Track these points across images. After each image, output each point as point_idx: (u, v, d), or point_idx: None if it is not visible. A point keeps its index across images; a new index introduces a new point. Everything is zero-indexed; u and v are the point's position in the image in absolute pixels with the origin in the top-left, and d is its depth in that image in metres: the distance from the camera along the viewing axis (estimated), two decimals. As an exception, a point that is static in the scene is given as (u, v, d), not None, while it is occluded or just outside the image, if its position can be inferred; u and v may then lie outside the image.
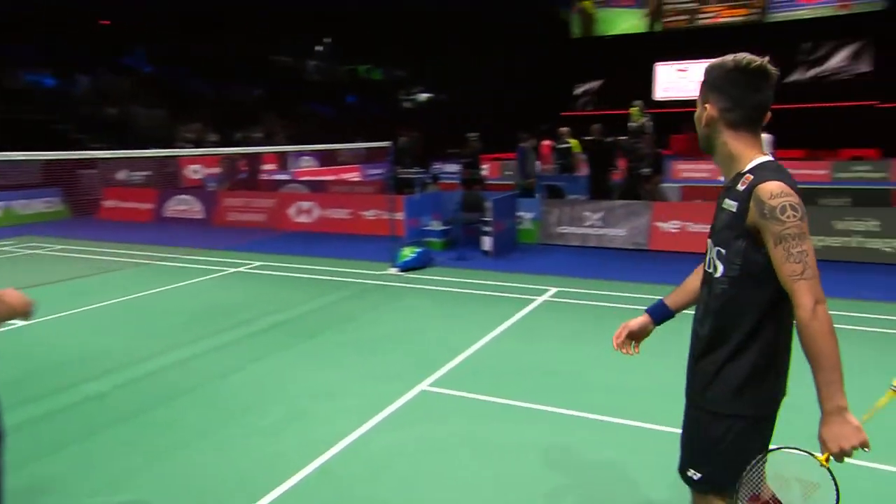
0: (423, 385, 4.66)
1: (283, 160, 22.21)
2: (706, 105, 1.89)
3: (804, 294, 1.67)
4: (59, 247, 10.96)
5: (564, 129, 15.57)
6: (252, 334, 5.94)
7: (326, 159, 23.28)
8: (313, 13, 32.35)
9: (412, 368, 4.97)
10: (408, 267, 8.47)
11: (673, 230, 9.45)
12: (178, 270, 8.70)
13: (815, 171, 20.36)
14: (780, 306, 1.79)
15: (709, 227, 1.99)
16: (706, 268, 1.95)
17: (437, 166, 18.93)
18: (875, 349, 5.35)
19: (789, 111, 29.38)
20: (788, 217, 1.69)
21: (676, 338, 5.35)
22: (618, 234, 9.79)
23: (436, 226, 10.19)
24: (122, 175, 17.62)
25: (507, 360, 5.17)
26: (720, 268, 1.86)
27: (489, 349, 5.44)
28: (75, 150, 12.92)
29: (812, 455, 1.67)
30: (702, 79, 1.91)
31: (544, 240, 10.33)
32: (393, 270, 8.42)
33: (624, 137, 11.76)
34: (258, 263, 9.11)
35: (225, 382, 4.79)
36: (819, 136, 28.61)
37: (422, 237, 9.95)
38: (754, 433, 1.85)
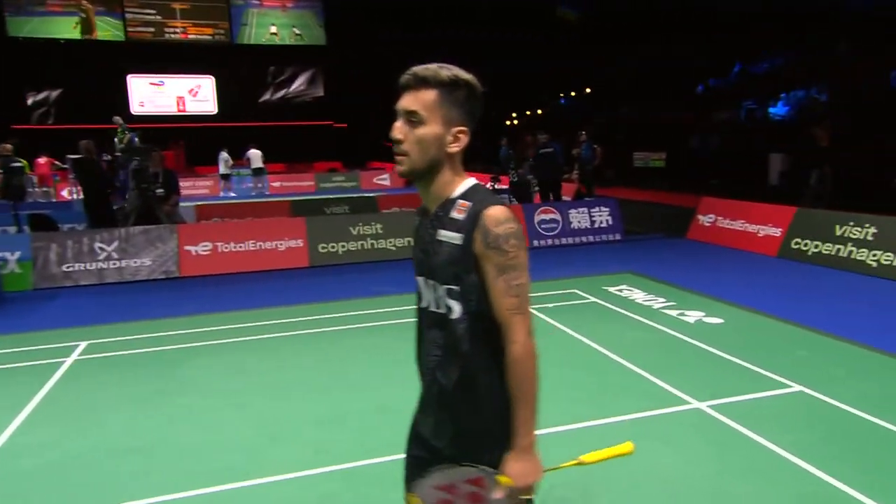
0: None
1: None
2: (460, 127, 1.60)
3: (520, 329, 1.57)
4: None
5: (8, 146, 12.70)
6: None
7: None
8: None
9: None
10: None
11: (204, 252, 8.83)
12: None
13: (303, 183, 22.47)
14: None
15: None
16: (432, 309, 1.68)
17: None
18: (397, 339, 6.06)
19: (266, 128, 31.87)
20: (512, 247, 1.55)
21: (225, 386, 4.93)
22: (143, 263, 8.56)
23: None
24: None
25: (52, 458, 3.79)
26: (456, 307, 1.62)
27: (17, 448, 3.90)
28: None
29: (495, 475, 1.59)
30: (432, 91, 1.56)
31: (43, 284, 8.23)
32: None
33: (119, 154, 10.42)
34: None
35: None
36: (294, 151, 31.93)
37: None
38: None
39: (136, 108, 31.84)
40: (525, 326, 1.57)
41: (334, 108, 35.63)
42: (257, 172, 21.27)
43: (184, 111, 33.38)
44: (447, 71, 1.58)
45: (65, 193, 18.64)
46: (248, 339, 6.01)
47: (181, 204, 11.21)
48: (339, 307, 6.98)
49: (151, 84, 32.98)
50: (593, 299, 7.03)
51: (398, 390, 4.61)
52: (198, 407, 4.49)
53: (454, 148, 1.60)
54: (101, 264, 8.45)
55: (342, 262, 9.27)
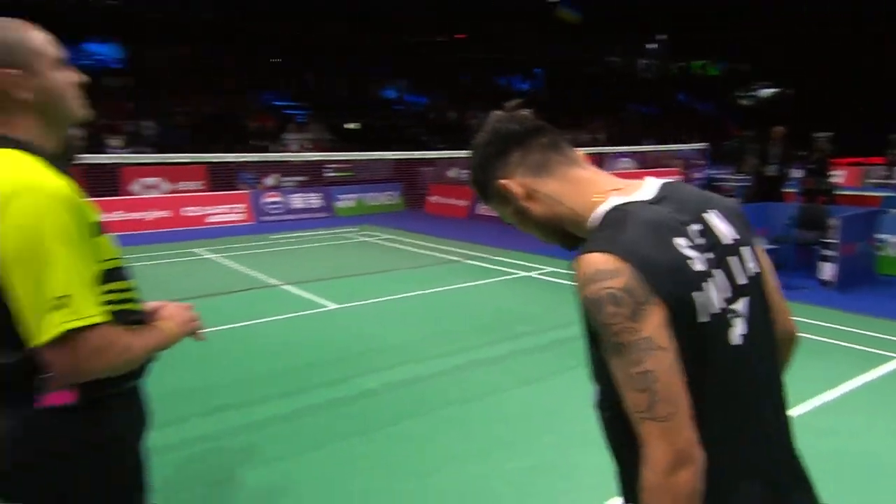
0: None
1: (598, 162, 21.75)
2: (509, 185, 1.25)
3: (654, 445, 1.03)
4: (387, 236, 12.30)
5: None
6: (527, 350, 5.59)
7: (647, 161, 22.12)
8: (650, 11, 31.08)
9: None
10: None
11: None
12: (477, 270, 8.89)
13: None
14: None
15: None
16: None
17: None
18: None
19: None
20: (610, 317, 1.05)
21: None
22: None
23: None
24: (452, 173, 19.14)
25: (841, 447, 3.80)
26: (595, 390, 1.23)
27: (819, 422, 4.09)
28: (422, 151, 14.53)
29: None
30: (475, 182, 1.33)
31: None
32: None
33: None
34: (549, 269, 8.78)
35: (490, 404, 4.49)
36: None
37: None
38: None
39: None
40: (663, 442, 1.02)
41: None
42: None
43: None
44: (471, 175, 1.33)
45: None
46: None
47: None
48: None
49: None
50: None
51: None
52: None
53: (528, 203, 1.26)
54: None
55: None
